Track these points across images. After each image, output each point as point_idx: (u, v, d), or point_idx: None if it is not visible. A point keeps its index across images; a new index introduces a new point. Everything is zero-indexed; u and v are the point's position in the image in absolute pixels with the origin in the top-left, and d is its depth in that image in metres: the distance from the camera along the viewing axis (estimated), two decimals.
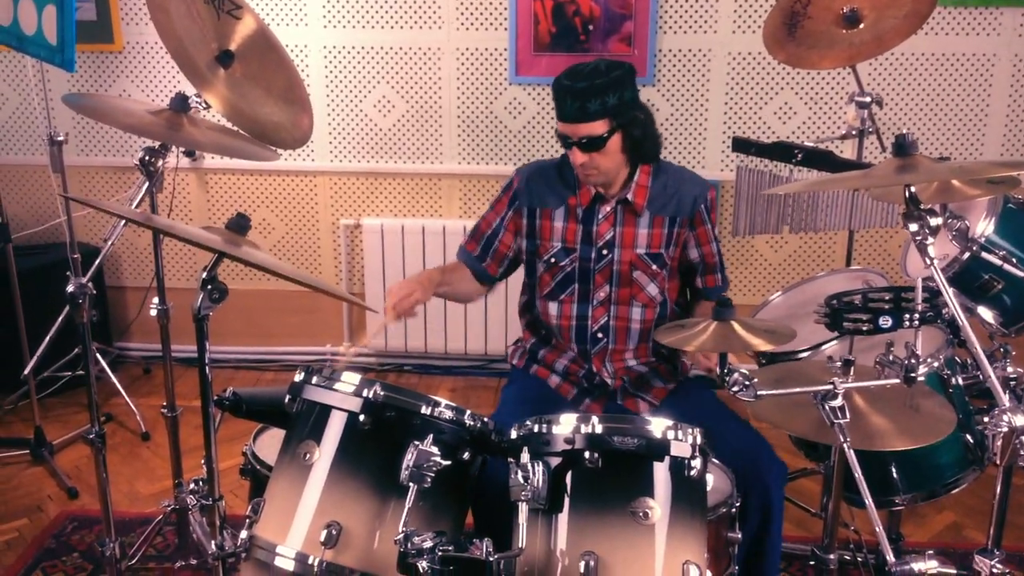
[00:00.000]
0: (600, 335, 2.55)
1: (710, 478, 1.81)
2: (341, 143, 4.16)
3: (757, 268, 4.19)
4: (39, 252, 4.07)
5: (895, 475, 2.31)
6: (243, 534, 1.82)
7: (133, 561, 2.87)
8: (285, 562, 1.76)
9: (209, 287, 1.77)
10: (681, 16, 3.90)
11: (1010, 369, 2.18)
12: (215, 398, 1.95)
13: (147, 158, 2.15)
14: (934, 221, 1.58)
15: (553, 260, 2.54)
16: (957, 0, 3.76)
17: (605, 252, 2.51)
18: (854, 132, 2.77)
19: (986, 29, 3.81)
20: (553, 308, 2.57)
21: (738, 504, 2.08)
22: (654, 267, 2.51)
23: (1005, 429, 1.47)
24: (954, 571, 1.78)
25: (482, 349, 4.24)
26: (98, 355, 3.93)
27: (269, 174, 4.22)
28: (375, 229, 4.16)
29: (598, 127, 2.34)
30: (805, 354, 2.45)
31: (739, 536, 2.07)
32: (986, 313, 2.34)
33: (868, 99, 2.76)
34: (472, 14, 3.97)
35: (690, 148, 4.04)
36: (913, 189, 1.60)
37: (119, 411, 3.87)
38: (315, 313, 4.36)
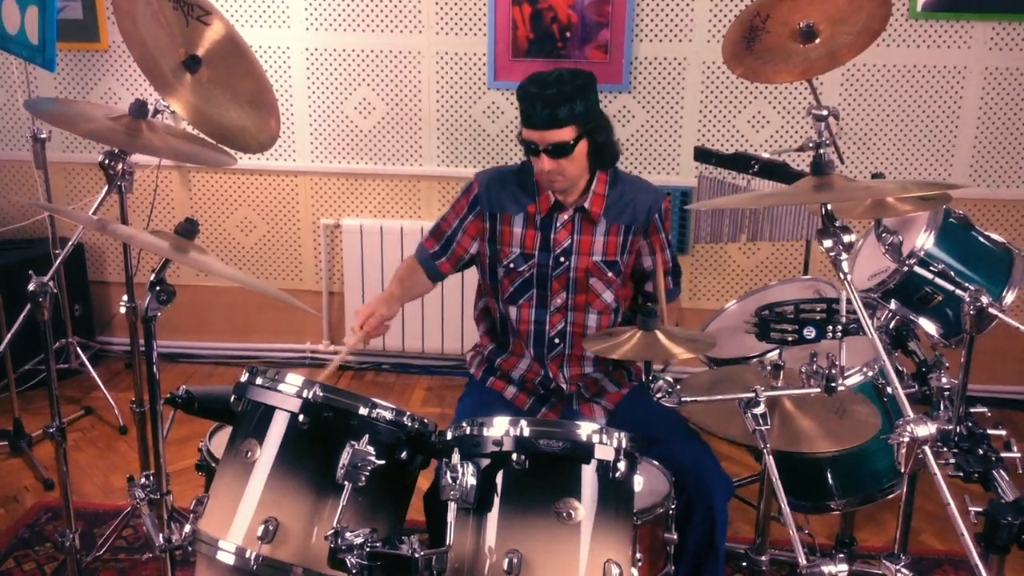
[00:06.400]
0: (557, 340, 2.61)
1: (639, 480, 1.87)
2: (322, 144, 4.23)
3: (729, 274, 4.24)
4: (24, 247, 4.16)
5: (831, 481, 2.37)
6: (186, 528, 1.89)
7: (102, 552, 2.95)
8: (226, 556, 1.83)
9: (157, 288, 1.84)
10: (657, 25, 3.95)
11: (944, 380, 2.24)
12: (167, 396, 2.02)
13: (107, 162, 2.20)
14: (847, 238, 1.63)
15: (512, 266, 2.59)
16: (928, 13, 3.81)
17: (562, 259, 2.56)
18: (811, 144, 2.82)
19: (957, 42, 3.85)
20: (513, 312, 2.63)
21: (674, 505, 2.14)
22: (610, 274, 2.57)
23: (907, 439, 1.52)
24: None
25: (458, 349, 4.30)
26: (79, 349, 4.02)
27: (251, 173, 4.29)
28: (354, 229, 4.23)
29: (566, 134, 2.38)
30: (754, 360, 2.50)
31: (675, 537, 2.13)
32: (928, 325, 2.37)
33: (825, 112, 2.80)
34: (452, 19, 4.03)
35: (664, 155, 4.10)
36: (830, 207, 1.66)
37: (98, 405, 3.94)
38: (296, 310, 4.39)
